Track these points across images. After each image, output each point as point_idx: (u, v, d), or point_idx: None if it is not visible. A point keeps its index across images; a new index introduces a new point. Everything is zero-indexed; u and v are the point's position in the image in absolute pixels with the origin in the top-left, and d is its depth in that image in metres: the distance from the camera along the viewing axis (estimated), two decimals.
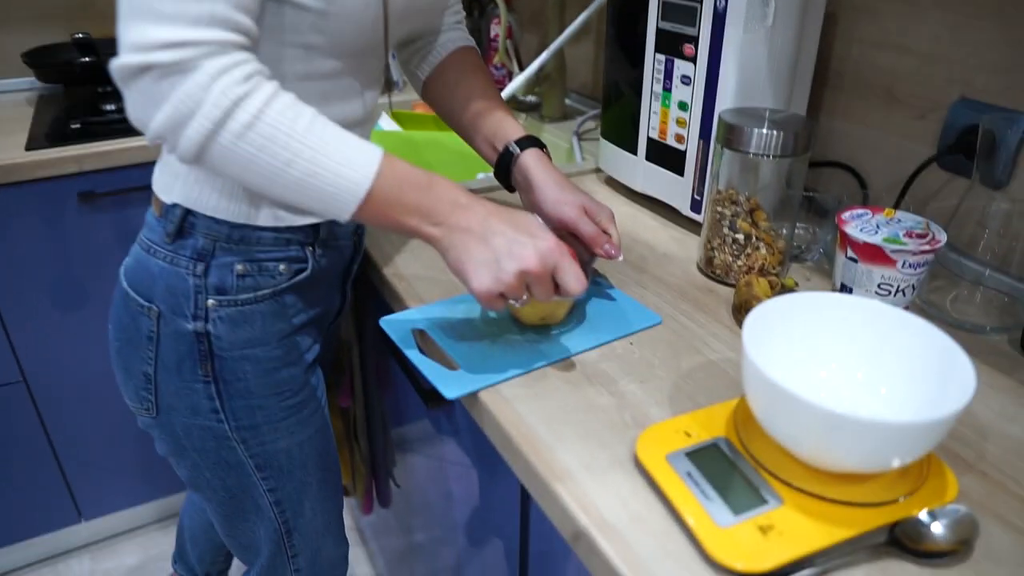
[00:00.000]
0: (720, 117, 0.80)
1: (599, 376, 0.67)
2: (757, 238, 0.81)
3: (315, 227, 0.76)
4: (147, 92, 0.55)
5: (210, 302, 0.72)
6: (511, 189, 0.85)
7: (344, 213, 0.60)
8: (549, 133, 1.41)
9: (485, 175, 1.18)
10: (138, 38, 0.54)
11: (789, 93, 0.89)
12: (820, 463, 0.51)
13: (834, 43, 0.96)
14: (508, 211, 0.63)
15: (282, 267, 0.75)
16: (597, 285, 0.82)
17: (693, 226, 0.98)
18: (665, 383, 0.67)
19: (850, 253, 0.70)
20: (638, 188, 1.03)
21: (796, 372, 0.59)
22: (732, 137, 0.78)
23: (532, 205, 0.80)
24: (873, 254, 0.68)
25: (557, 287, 0.63)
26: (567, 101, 1.50)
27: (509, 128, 0.83)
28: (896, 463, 0.48)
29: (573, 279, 0.62)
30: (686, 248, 0.93)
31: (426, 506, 1.04)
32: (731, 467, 0.54)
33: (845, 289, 0.72)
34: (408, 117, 1.38)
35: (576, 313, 0.77)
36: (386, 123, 1.33)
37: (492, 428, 0.64)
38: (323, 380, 0.87)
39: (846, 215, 0.72)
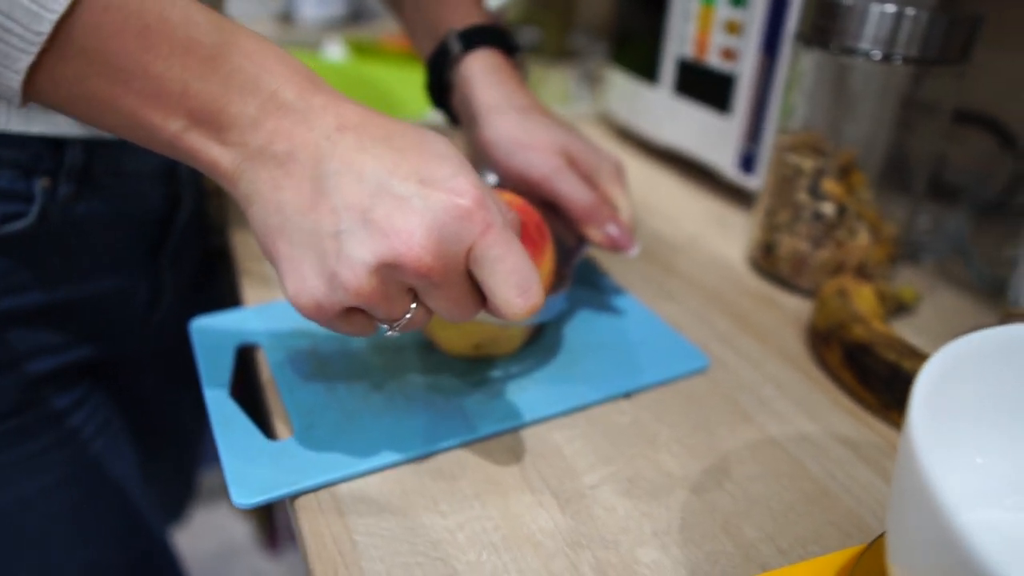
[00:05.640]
0: None
1: (554, 472, 0.34)
2: (857, 215, 0.47)
3: (58, 143, 0.41)
4: None
5: None
6: (454, 120, 0.51)
7: (6, 70, 0.26)
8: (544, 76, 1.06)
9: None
10: None
11: None
12: None
13: None
14: (385, 123, 0.29)
15: None
16: (596, 291, 0.48)
17: (741, 199, 0.63)
18: (685, 493, 0.33)
19: None
20: (662, 138, 0.68)
21: (1011, 507, 0.25)
22: (827, 23, 0.43)
23: (480, 150, 0.46)
24: None
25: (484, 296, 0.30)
26: (574, 39, 1.15)
27: (457, 8, 0.49)
28: None
29: (511, 283, 0.28)
30: (729, 231, 0.58)
31: None
32: None
33: None
34: (368, 49, 1.04)
35: (544, 337, 0.43)
36: (333, 49, 1.00)
37: (311, 555, 0.31)
38: (95, 402, 0.49)
39: None
